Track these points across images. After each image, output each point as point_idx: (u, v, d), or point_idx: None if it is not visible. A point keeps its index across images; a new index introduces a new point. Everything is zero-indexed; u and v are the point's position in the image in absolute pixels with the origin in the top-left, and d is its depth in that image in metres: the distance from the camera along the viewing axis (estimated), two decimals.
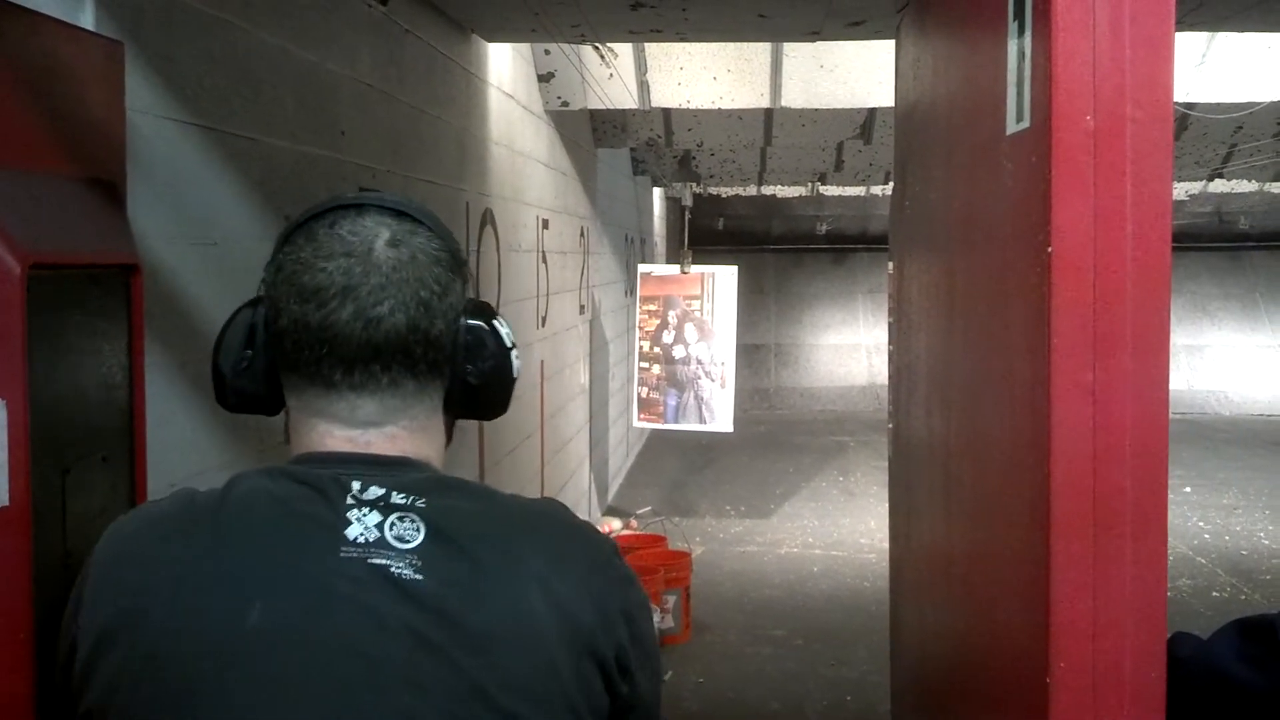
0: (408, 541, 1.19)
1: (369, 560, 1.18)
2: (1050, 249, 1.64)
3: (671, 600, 6.92)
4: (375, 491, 1.23)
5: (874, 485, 11.53)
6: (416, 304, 1.27)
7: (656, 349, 9.57)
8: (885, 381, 3.55)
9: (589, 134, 9.30)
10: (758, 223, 18.43)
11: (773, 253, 18.73)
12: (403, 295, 1.26)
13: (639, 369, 9.68)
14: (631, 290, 10.42)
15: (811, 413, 17.19)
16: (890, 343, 3.12)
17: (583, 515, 9.04)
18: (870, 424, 15.17)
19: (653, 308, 9.66)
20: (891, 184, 3.19)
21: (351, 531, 1.20)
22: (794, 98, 7.50)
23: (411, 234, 1.31)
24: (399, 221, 1.31)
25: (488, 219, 5.69)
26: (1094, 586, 1.67)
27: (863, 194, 16.94)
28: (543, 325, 7.30)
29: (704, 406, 9.46)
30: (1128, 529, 1.67)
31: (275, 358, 1.30)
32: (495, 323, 1.36)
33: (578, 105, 7.46)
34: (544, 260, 7.28)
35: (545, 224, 7.33)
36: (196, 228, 2.74)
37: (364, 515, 1.21)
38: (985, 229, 2.02)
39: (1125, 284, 1.64)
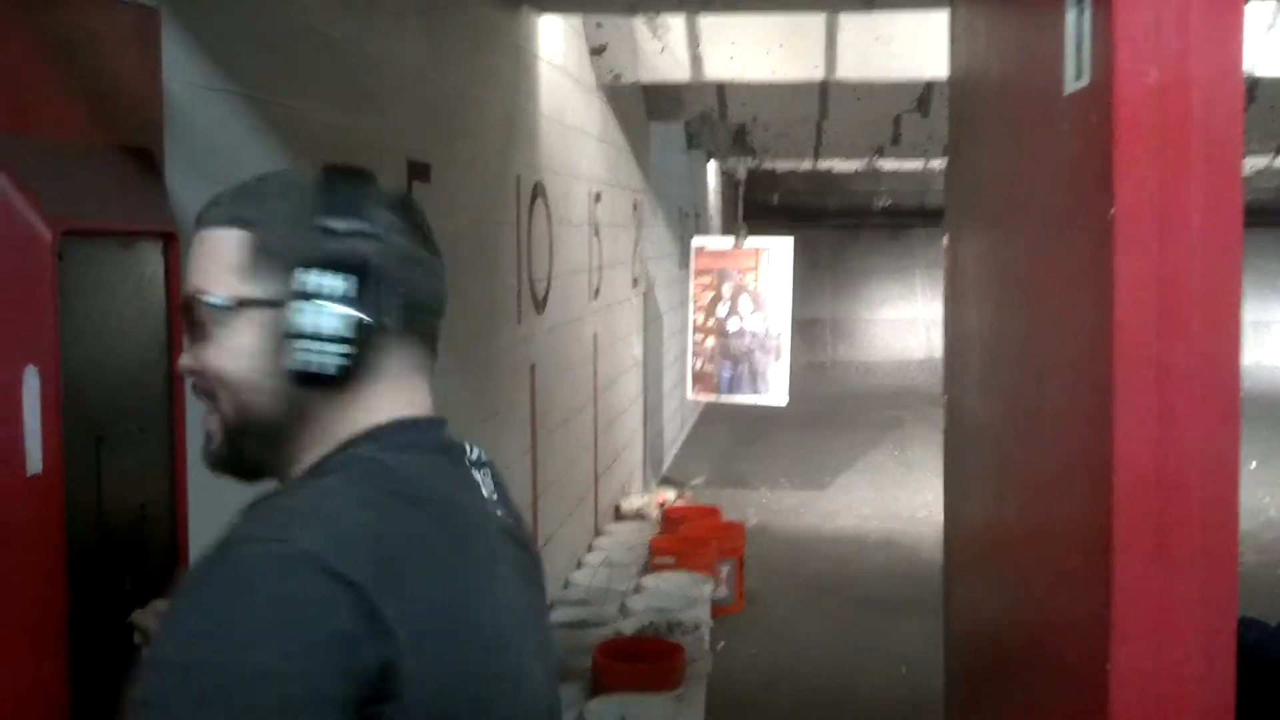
0: (494, 493, 1.32)
1: (496, 514, 1.31)
2: (1112, 212, 1.56)
3: (725, 570, 6.89)
4: (476, 452, 1.33)
5: (931, 458, 11.39)
6: None
7: (710, 322, 9.44)
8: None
9: (642, 108, 9.23)
10: (813, 198, 18.24)
11: (829, 228, 18.55)
12: None
13: (693, 342, 9.55)
14: (685, 264, 10.34)
15: (868, 386, 17.05)
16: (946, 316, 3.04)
17: (637, 486, 9.03)
18: (928, 398, 15.00)
19: (707, 280, 9.53)
20: (947, 157, 3.10)
21: (485, 492, 1.30)
22: (849, 70, 7.37)
23: None
24: None
25: (539, 192, 5.65)
26: (1159, 569, 1.60)
27: (920, 168, 16.70)
28: (596, 297, 7.26)
29: (759, 378, 9.30)
30: (1195, 507, 1.59)
31: (389, 326, 1.25)
32: None
33: (630, 79, 7.39)
34: (596, 233, 7.23)
35: (598, 197, 7.28)
36: None
37: (482, 476, 1.31)
38: (1041, 195, 1.94)
39: (1193, 249, 1.56)
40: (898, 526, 9.00)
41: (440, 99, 4.22)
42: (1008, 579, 2.25)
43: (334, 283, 1.22)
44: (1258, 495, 9.75)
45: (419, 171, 3.88)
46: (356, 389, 1.25)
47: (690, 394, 9.73)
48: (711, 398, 9.68)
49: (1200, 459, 1.59)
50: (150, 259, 1.86)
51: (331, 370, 1.22)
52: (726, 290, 9.43)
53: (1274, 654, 1.57)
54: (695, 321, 9.56)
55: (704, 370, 9.50)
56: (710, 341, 9.44)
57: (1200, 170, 1.58)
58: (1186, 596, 1.59)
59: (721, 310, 9.43)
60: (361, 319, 1.22)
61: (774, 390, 9.34)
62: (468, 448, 1.32)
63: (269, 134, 2.88)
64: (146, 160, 1.96)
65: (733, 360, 9.37)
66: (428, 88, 4.08)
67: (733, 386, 9.39)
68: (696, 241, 9.96)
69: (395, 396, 1.27)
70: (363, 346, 1.22)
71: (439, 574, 1.16)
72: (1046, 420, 1.94)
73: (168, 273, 1.90)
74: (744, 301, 9.39)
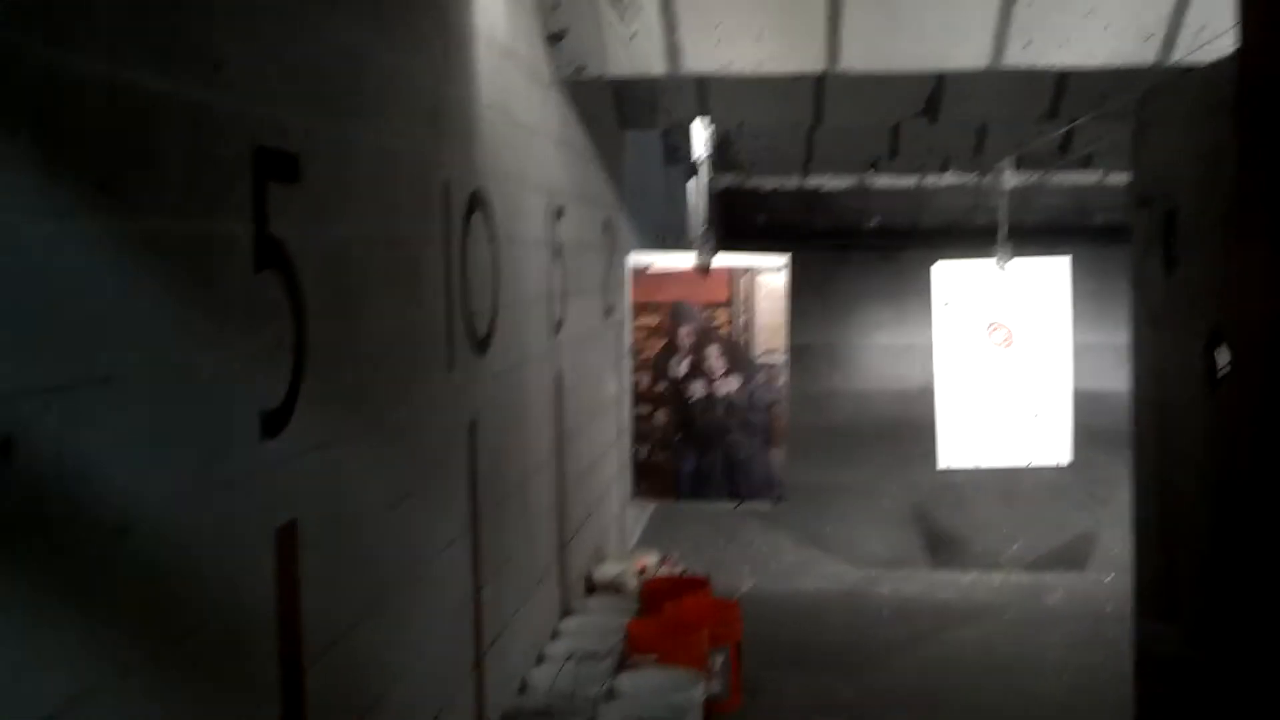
0: None
1: None
2: None
3: (719, 660, 5.75)
4: None
5: (940, 503, 10.26)
6: None
7: (661, 386, 6.18)
8: None
9: (613, 112, 8.09)
10: (798, 216, 17.22)
11: (816, 250, 17.49)
12: None
13: (634, 417, 6.25)
14: None
15: (866, 419, 15.88)
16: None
17: (615, 546, 7.85)
18: (931, 432, 13.87)
19: (653, 321, 6.20)
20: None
21: None
22: (856, 58, 6.23)
23: None
24: None
25: (477, 202, 4.48)
26: None
27: (913, 186, 15.66)
28: (558, 331, 6.10)
29: (739, 473, 6.13)
30: None
31: None
32: None
33: (596, 71, 6.24)
34: (559, 255, 6.07)
35: (559, 212, 6.12)
36: None
37: None
38: None
39: None
40: (914, 592, 7.85)
41: (316, 67, 3.04)
42: None
43: None
44: None
45: (277, 165, 2.70)
46: None
47: (631, 497, 6.47)
48: (665, 501, 6.55)
49: None
50: None
51: None
52: (684, 336, 6.19)
53: None
54: (636, 386, 6.24)
55: (651, 461, 6.21)
56: (660, 416, 6.21)
57: None
58: None
59: (677, 367, 6.20)
60: None
61: (759, 488, 6.20)
62: None
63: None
64: None
65: (697, 444, 6.18)
66: (294, 48, 2.90)
67: (698, 486, 6.19)
68: (635, 260, 6.35)
69: None
70: None
71: None
72: None
73: None
74: (712, 353, 6.20)
